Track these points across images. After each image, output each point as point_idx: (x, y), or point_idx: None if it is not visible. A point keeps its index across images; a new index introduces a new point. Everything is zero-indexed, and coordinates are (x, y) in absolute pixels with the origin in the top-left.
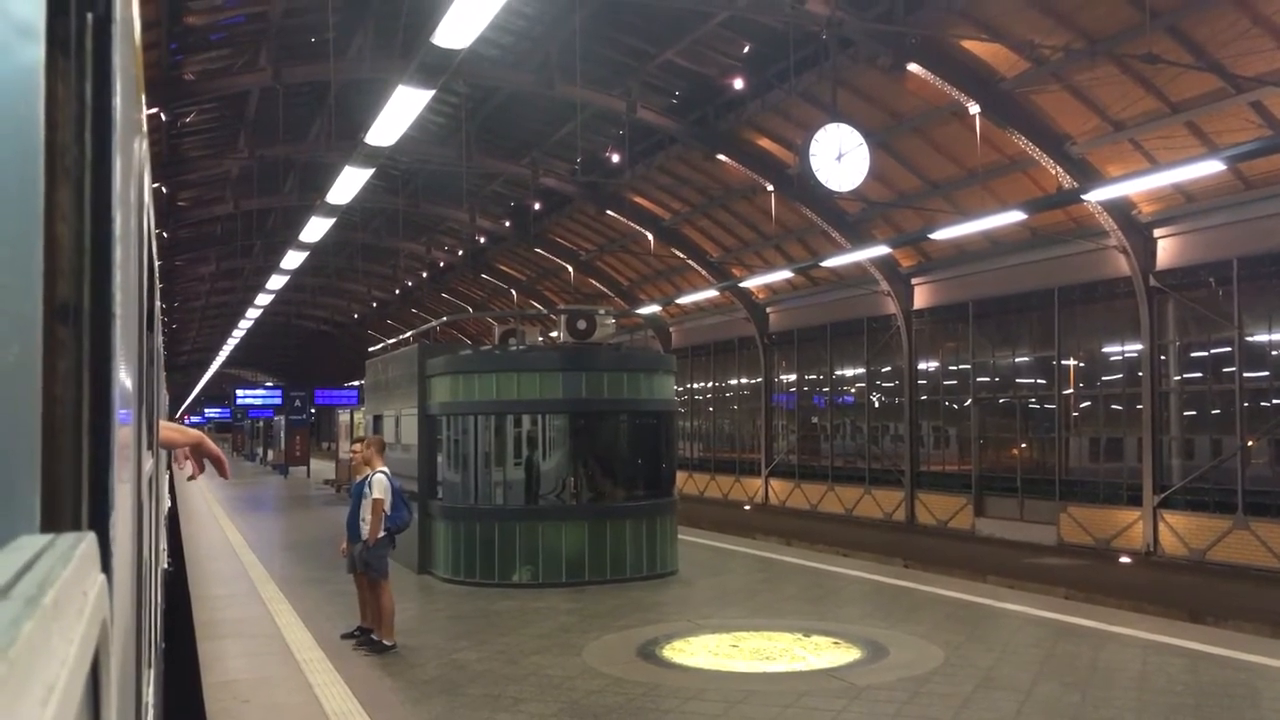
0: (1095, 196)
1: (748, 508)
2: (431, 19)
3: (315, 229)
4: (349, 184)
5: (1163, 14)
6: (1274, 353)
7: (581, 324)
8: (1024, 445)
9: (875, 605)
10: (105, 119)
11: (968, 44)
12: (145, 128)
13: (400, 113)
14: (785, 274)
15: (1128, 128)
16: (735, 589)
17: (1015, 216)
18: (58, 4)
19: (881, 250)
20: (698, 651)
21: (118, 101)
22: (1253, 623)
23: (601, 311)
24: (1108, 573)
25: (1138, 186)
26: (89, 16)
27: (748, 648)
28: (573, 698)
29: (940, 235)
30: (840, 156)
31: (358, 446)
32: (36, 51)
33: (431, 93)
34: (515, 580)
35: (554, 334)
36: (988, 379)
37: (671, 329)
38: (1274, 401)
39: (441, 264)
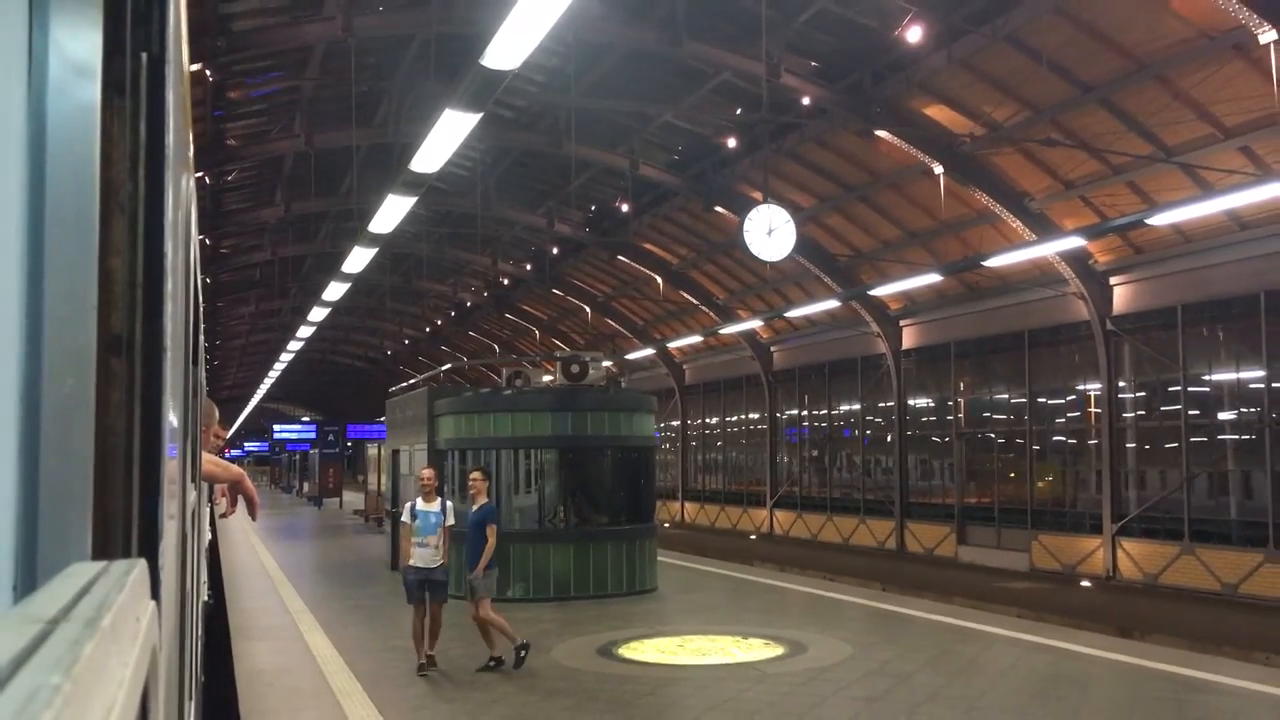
0: (995, 261)
1: (753, 537)
2: (414, 143)
3: (335, 290)
4: (359, 259)
5: (1096, 88)
6: (1212, 392)
7: (574, 368)
8: (999, 478)
9: (820, 617)
10: (158, 156)
11: (929, 111)
12: (192, 164)
13: (395, 211)
14: (757, 323)
15: (1077, 186)
16: (704, 604)
17: (933, 279)
18: (114, 45)
19: (832, 304)
20: (648, 650)
21: (170, 139)
22: (1176, 637)
23: (588, 358)
24: (1065, 595)
25: (1016, 257)
26: (143, 57)
27: (691, 647)
28: (534, 682)
29: (879, 292)
30: (770, 232)
31: (428, 473)
32: (93, 91)
33: (415, 198)
34: (509, 596)
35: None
36: (968, 415)
37: (685, 367)
38: (1213, 437)
39: (468, 303)
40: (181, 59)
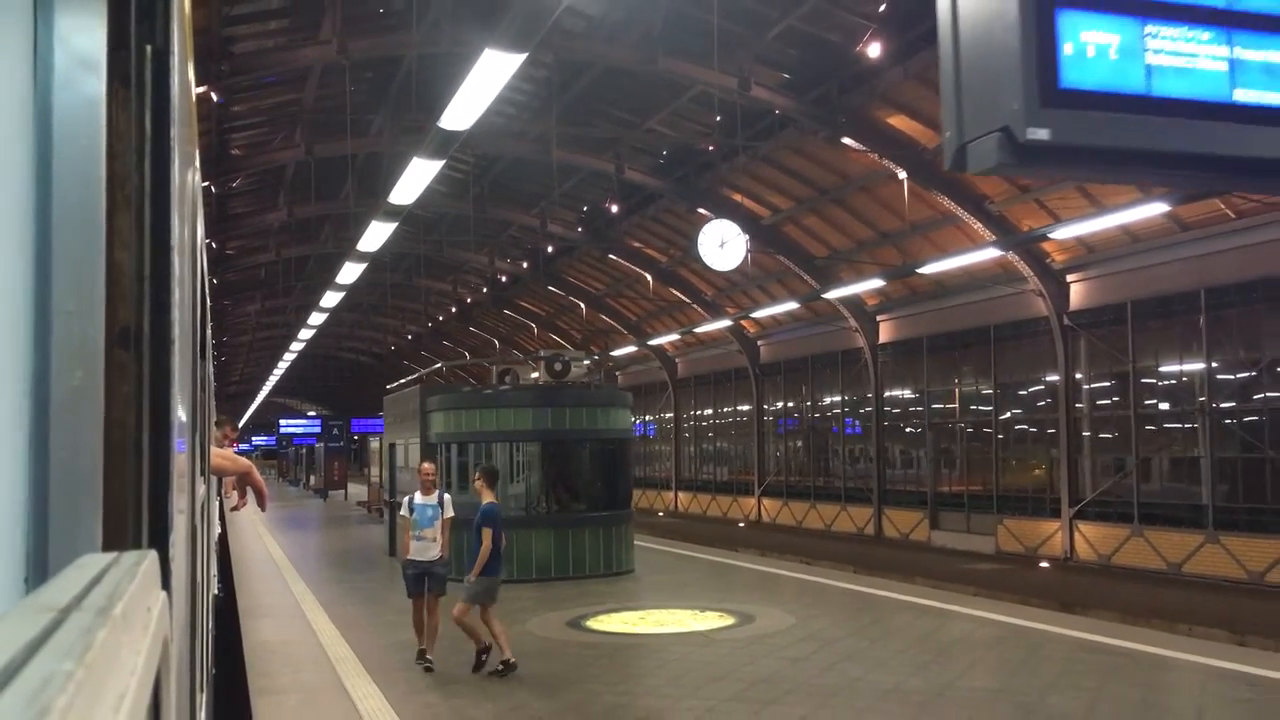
0: (929, 269)
1: (741, 525)
2: (391, 178)
3: (332, 298)
4: (351, 272)
5: None
6: (1158, 383)
7: (558, 366)
8: (969, 465)
9: (776, 594)
10: (164, 148)
11: (892, 120)
12: (198, 157)
13: (381, 233)
14: (728, 322)
15: (1032, 190)
16: (674, 584)
17: (876, 284)
18: (118, 38)
19: (792, 305)
20: (613, 622)
21: (175, 131)
22: (1112, 611)
23: (568, 357)
24: (1023, 575)
25: (947, 265)
26: (148, 49)
27: (652, 620)
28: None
29: (833, 294)
30: (723, 244)
31: (428, 467)
32: (98, 84)
33: (397, 223)
34: None
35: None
36: (940, 406)
37: (677, 361)
38: (1160, 425)
39: (469, 299)
40: (186, 53)
